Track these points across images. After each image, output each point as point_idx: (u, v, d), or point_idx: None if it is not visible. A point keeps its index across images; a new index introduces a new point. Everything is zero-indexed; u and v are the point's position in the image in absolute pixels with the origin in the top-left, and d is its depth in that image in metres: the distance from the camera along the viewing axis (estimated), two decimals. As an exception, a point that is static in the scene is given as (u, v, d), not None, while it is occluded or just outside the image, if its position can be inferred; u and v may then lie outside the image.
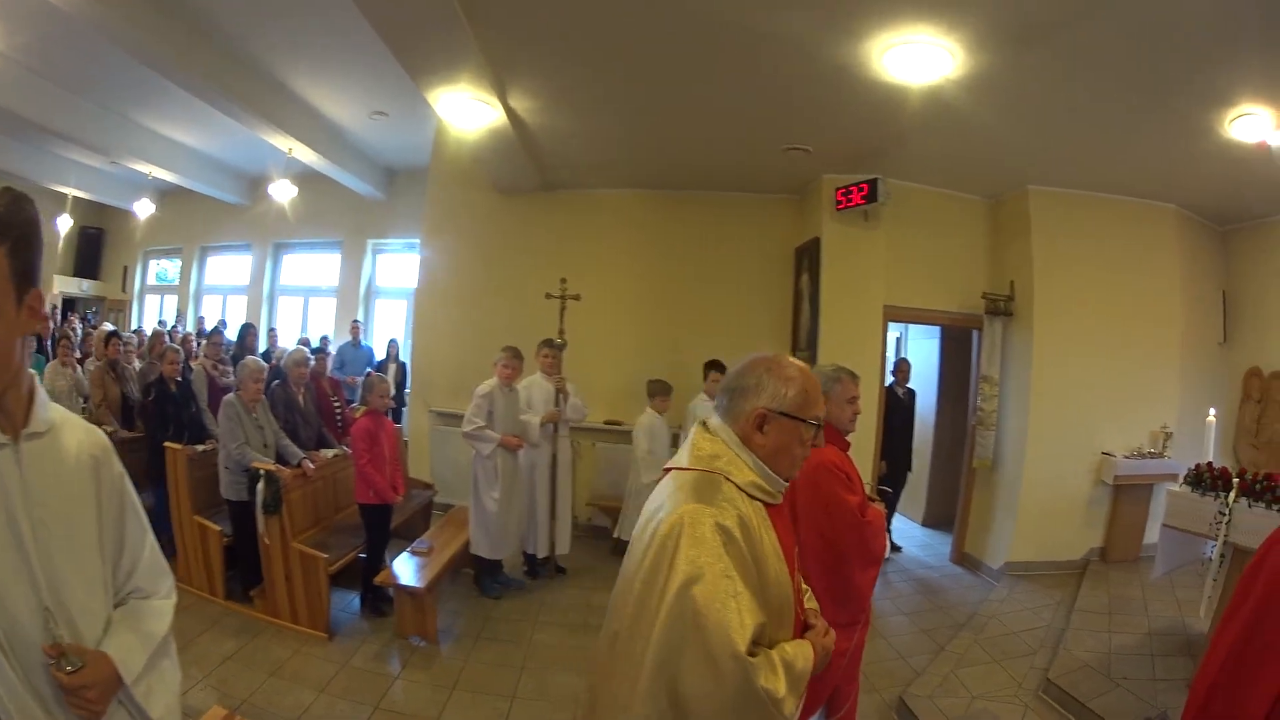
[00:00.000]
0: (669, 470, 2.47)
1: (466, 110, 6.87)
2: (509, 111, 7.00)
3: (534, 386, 7.53)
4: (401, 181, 13.45)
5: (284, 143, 10.34)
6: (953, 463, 9.90)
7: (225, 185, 14.72)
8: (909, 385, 9.54)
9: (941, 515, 10.50)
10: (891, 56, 5.50)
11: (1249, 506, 5.28)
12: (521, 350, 7.32)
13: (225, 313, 15.94)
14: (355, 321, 13.41)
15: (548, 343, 7.60)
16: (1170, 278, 8.88)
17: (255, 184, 14.65)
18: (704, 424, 2.50)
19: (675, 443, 7.89)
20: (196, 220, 16.13)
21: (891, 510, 9.29)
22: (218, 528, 6.55)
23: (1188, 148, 7.02)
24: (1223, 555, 5.34)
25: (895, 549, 9.36)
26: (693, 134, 7.59)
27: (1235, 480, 5.43)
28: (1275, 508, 5.14)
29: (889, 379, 9.16)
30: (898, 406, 9.13)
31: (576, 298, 7.79)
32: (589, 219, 9.63)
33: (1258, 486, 5.31)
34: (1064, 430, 8.29)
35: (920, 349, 11.11)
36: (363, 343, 13.10)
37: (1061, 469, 8.35)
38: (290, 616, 6.15)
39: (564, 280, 7.79)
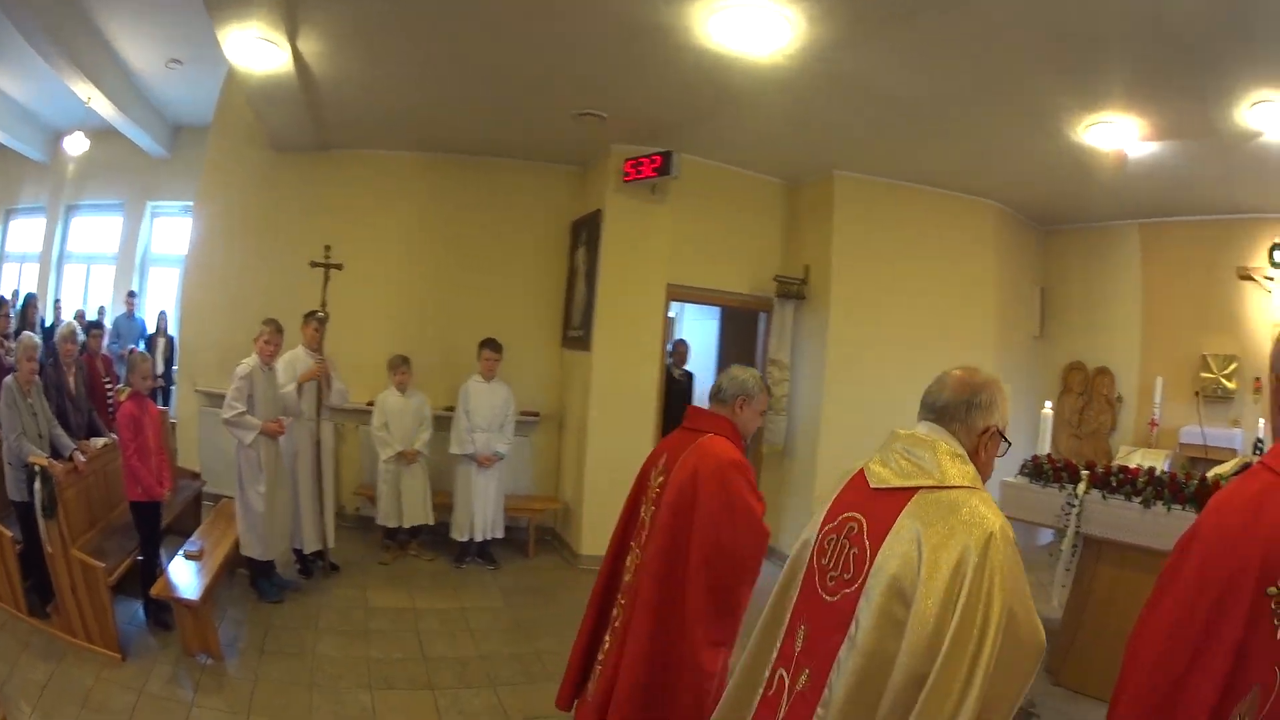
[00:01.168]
0: (918, 489, 2.33)
1: (254, 51, 6.21)
2: (296, 55, 6.31)
3: (296, 361, 6.99)
4: (186, 138, 12.36)
5: (84, 90, 9.56)
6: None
7: (26, 137, 13.19)
8: (686, 367, 9.39)
9: None
10: (720, 21, 5.15)
11: (1104, 499, 5.36)
12: (283, 325, 6.73)
13: (20, 283, 14.25)
14: (130, 292, 12.44)
15: (312, 315, 7.09)
16: (987, 272, 9.32)
17: (56, 139, 13.26)
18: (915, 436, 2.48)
19: (427, 422, 7.83)
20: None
21: None
22: (9, 533, 5.74)
23: (1028, 149, 7.28)
24: (1074, 545, 5.43)
25: None
26: (484, 92, 7.00)
27: (1085, 472, 5.50)
28: (1135, 500, 5.22)
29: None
30: (675, 389, 8.93)
31: (339, 266, 7.23)
32: (365, 183, 9.01)
33: (1113, 480, 5.38)
34: (863, 417, 8.13)
35: (698, 330, 10.99)
36: (136, 315, 12.13)
37: (859, 455, 8.12)
38: (84, 635, 5.48)
39: (328, 247, 7.22)
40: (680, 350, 9.36)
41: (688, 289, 8.52)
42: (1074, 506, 5.37)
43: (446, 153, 8.90)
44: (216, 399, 8.33)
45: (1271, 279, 8.63)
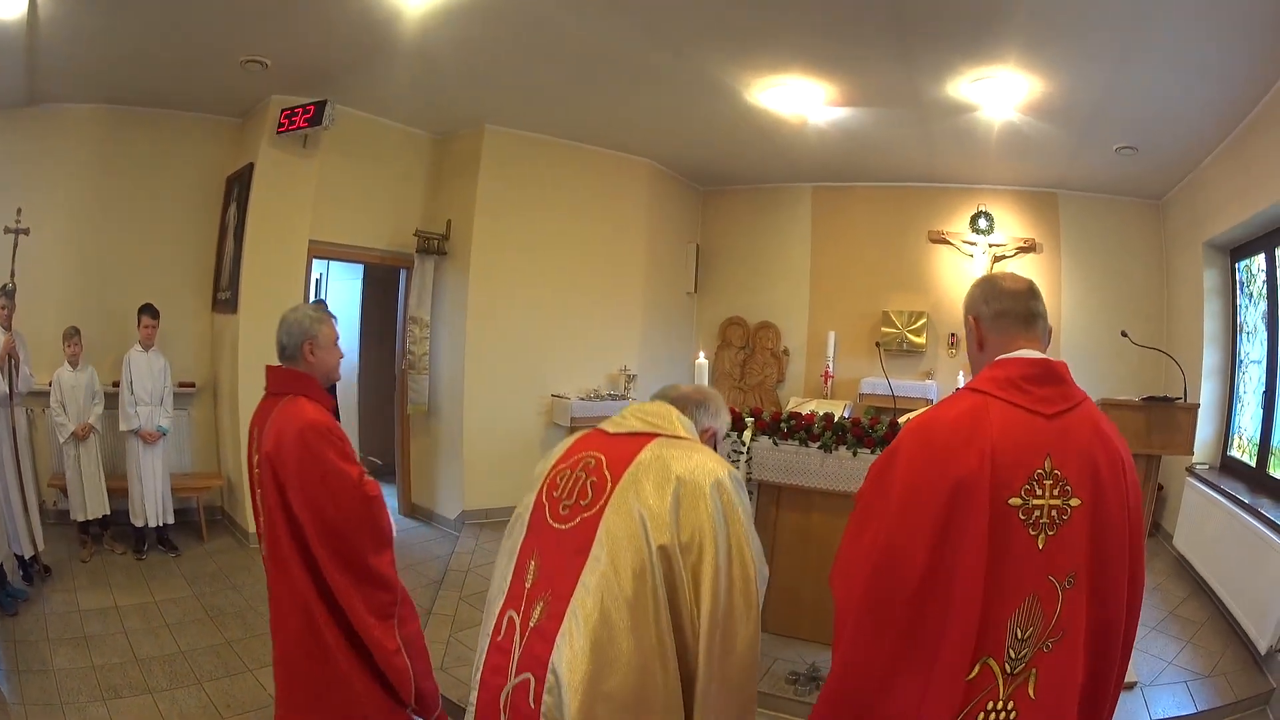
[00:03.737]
0: (658, 435, 2.48)
1: None
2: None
3: None
4: None
5: None
6: (383, 409, 9.76)
7: None
8: None
9: (377, 465, 10.11)
10: None
11: (775, 445, 5.35)
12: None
13: None
14: None
15: (3, 289, 6.39)
16: (638, 229, 9.52)
17: None
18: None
19: (99, 397, 7.18)
20: None
21: None
22: None
23: (695, 109, 7.34)
24: (751, 493, 5.38)
25: None
26: (161, 39, 6.44)
27: (749, 419, 5.46)
28: (813, 446, 5.26)
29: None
30: None
31: (26, 231, 6.61)
32: (57, 138, 8.03)
33: (784, 426, 5.37)
34: (507, 374, 8.39)
35: (342, 290, 10.66)
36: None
37: (507, 413, 8.54)
38: None
39: (19, 210, 6.57)
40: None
41: (330, 245, 8.12)
42: (740, 454, 5.36)
43: (127, 105, 8.16)
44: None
45: (973, 243, 9.21)
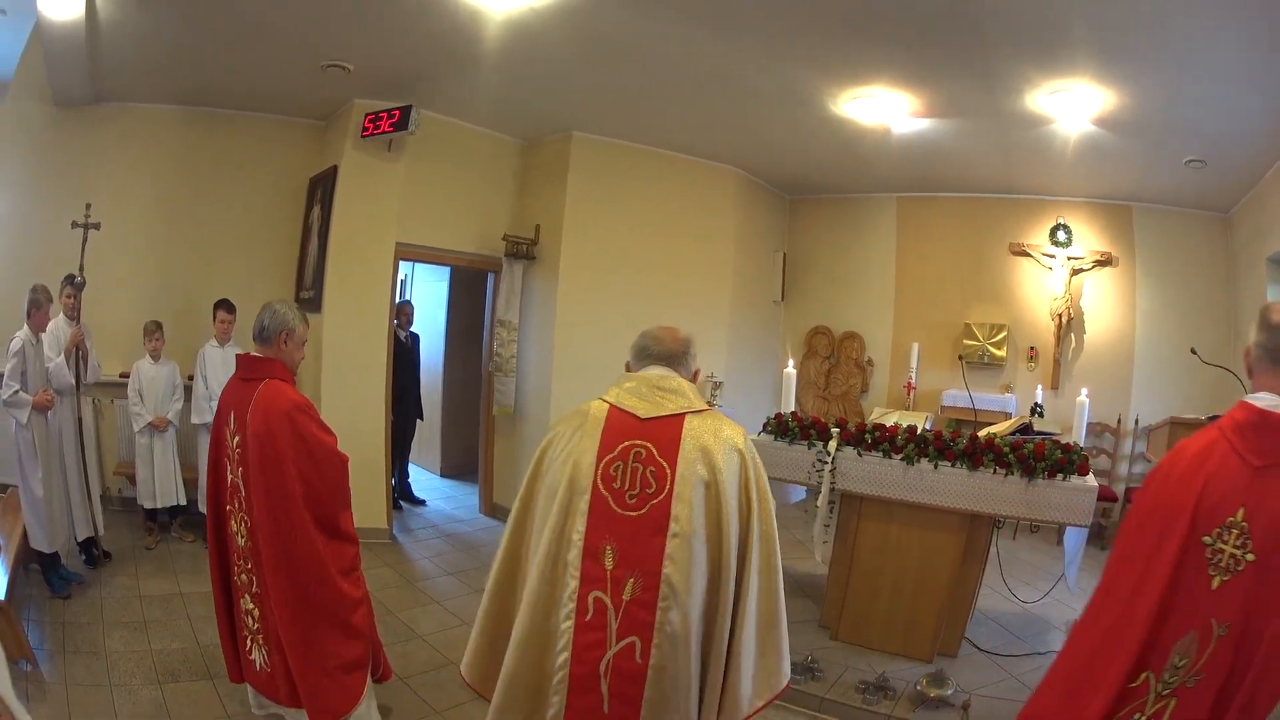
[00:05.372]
0: (684, 414, 2.93)
1: None
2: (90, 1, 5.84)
3: (59, 331, 6.41)
4: None
5: None
6: (468, 411, 9.84)
7: None
8: (412, 330, 9.20)
9: (461, 465, 10.58)
10: None
11: (859, 456, 5.36)
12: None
13: None
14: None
15: (69, 279, 6.51)
16: (725, 237, 9.46)
17: None
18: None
19: (179, 392, 7.37)
20: None
21: (405, 461, 9.32)
22: None
23: (781, 119, 7.37)
24: (831, 502, 5.46)
25: (419, 502, 9.29)
26: (241, 42, 6.62)
27: (835, 430, 5.50)
28: (896, 458, 5.26)
29: (390, 322, 8.85)
30: (401, 351, 8.71)
31: (97, 226, 6.70)
32: (128, 137, 8.33)
33: (868, 437, 5.38)
34: (594, 378, 8.32)
35: (428, 292, 10.78)
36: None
37: None
38: None
39: (89, 205, 6.66)
40: (405, 312, 9.08)
41: (418, 248, 8.20)
42: (825, 464, 5.38)
43: (203, 106, 8.39)
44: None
45: (1052, 256, 9.06)
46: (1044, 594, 6.03)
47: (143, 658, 5.22)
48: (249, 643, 4.13)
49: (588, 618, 2.79)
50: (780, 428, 5.76)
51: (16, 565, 5.59)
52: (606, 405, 3.00)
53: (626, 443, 2.89)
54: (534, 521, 2.97)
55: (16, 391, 5.83)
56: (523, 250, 8.60)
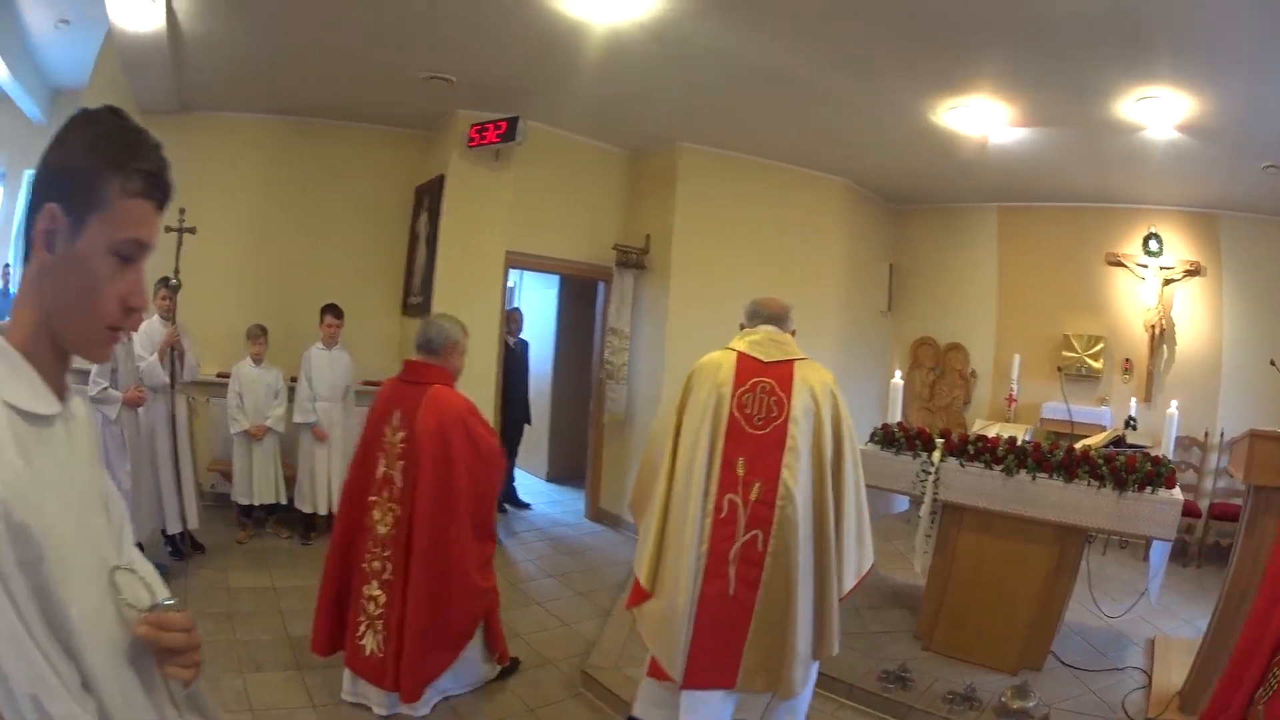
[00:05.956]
0: (794, 360, 4.00)
1: (133, 8, 5.84)
2: (170, 12, 5.98)
3: (153, 332, 6.59)
4: (64, 102, 11.58)
5: None
6: (576, 417, 9.94)
7: None
8: (521, 336, 9.35)
9: (567, 470, 10.63)
10: None
11: (961, 466, 5.39)
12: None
13: None
14: (5, 266, 11.93)
15: (164, 281, 6.71)
16: (833, 247, 9.46)
17: None
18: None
19: (282, 396, 7.48)
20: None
21: (512, 465, 9.31)
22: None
23: (883, 128, 7.42)
24: (933, 512, 5.48)
25: (524, 506, 9.40)
26: (338, 54, 6.78)
27: (939, 440, 5.52)
28: (996, 469, 5.26)
29: (499, 329, 8.97)
30: (510, 358, 8.84)
31: (192, 231, 6.89)
32: (220, 145, 8.56)
33: (970, 448, 5.39)
34: None
35: (537, 299, 10.92)
36: (10, 290, 11.47)
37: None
38: None
39: (183, 211, 6.86)
40: (514, 319, 9.22)
41: (527, 256, 8.32)
42: (930, 474, 5.42)
43: (298, 116, 8.62)
44: (82, 376, 8.05)
45: (1145, 266, 8.94)
46: (1127, 609, 5.97)
47: (227, 647, 5.31)
48: (363, 628, 4.44)
49: (722, 515, 3.78)
50: (887, 438, 5.80)
51: None
52: (734, 352, 4.00)
53: (754, 379, 3.90)
54: (684, 435, 3.93)
55: (105, 388, 6.00)
56: (634, 260, 8.71)
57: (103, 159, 1.26)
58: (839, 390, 3.96)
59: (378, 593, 4.41)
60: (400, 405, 4.42)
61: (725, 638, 3.76)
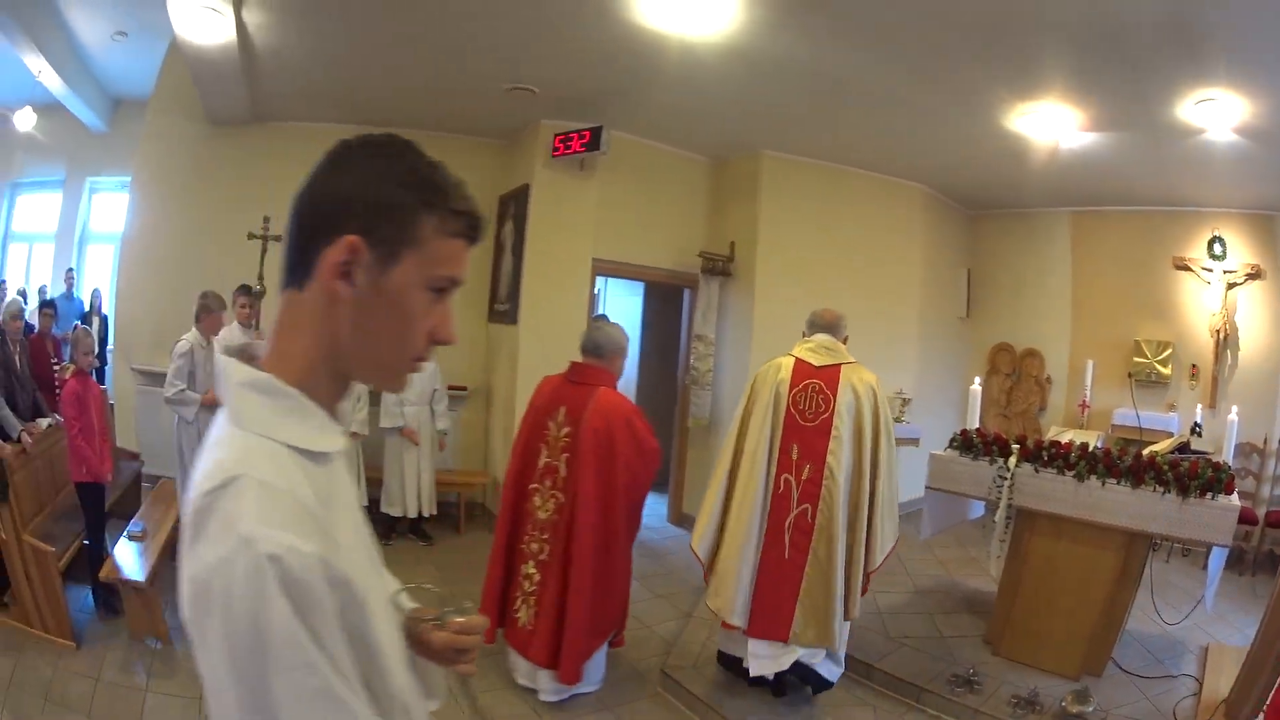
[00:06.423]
0: (842, 364, 4.81)
1: (200, 21, 6.02)
2: (240, 26, 6.15)
3: (231, 339, 6.71)
4: (125, 112, 11.80)
5: (35, 63, 9.18)
6: (660, 422, 9.90)
7: None
8: None
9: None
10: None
11: (1036, 472, 5.46)
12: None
13: None
14: (69, 270, 12.08)
15: (244, 289, 6.91)
16: (913, 254, 9.62)
17: (3, 116, 12.40)
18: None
19: (363, 401, 7.52)
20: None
21: None
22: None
23: (959, 134, 7.45)
24: (1008, 518, 5.56)
25: None
26: (418, 65, 6.95)
27: (1015, 446, 5.60)
28: (1069, 474, 5.32)
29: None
30: None
31: (278, 239, 6.81)
32: (298, 155, 7.92)
33: (1045, 454, 5.47)
34: None
35: (622, 306, 10.98)
36: (74, 294, 11.79)
37: None
38: (40, 624, 5.31)
39: (267, 218, 7.11)
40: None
41: (613, 264, 8.55)
42: (1005, 479, 5.49)
43: (375, 125, 8.41)
44: (154, 378, 8.11)
45: (1210, 270, 8.88)
46: (1184, 616, 6.02)
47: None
48: (519, 602, 4.97)
49: (780, 491, 4.72)
50: (966, 444, 5.91)
51: (165, 552, 5.77)
52: (793, 358, 4.87)
53: (807, 380, 4.77)
54: (750, 428, 4.84)
55: (182, 390, 6.17)
56: (719, 267, 8.85)
57: (416, 196, 1.24)
58: (880, 389, 4.82)
59: (533, 571, 4.92)
60: (566, 403, 4.90)
61: (781, 595, 4.70)
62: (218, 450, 1.15)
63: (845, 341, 4.94)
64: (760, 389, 4.87)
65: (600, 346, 4.96)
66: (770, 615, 4.70)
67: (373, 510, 7.68)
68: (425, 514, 7.77)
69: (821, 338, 4.88)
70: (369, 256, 1.20)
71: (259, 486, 1.07)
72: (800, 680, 4.96)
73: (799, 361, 4.83)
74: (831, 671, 4.91)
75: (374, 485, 7.74)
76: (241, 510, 1.04)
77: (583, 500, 4.74)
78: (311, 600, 1.03)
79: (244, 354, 1.25)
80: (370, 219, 1.20)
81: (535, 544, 4.92)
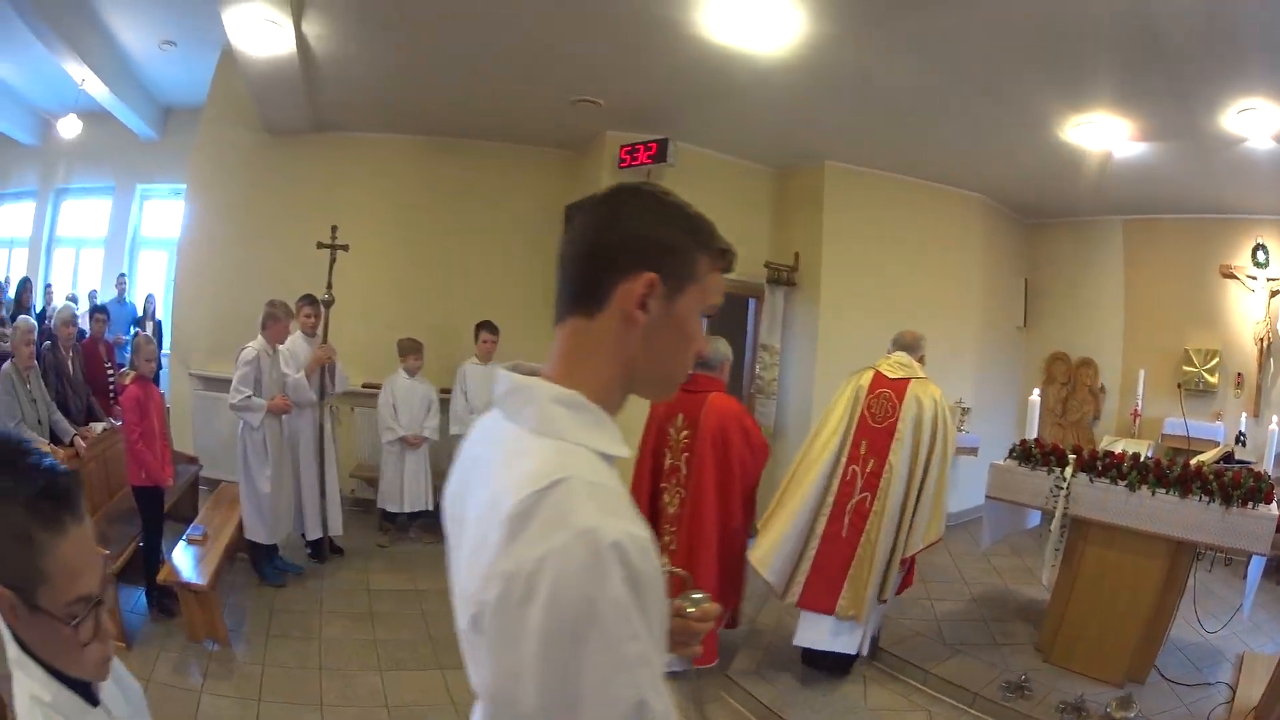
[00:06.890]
0: (911, 379, 5.46)
1: (258, 33, 6.12)
2: (300, 37, 6.26)
3: (296, 348, 6.85)
4: (176, 120, 11.96)
5: (78, 71, 9.26)
6: None
7: (16, 120, 12.69)
8: None
9: None
10: (723, 14, 5.36)
11: (1090, 482, 5.54)
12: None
13: (9, 268, 13.62)
14: (121, 275, 12.19)
15: (309, 299, 6.96)
16: (972, 263, 9.69)
17: (46, 122, 12.67)
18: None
19: (435, 408, 7.77)
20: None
21: None
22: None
23: (1015, 145, 7.53)
24: (1063, 526, 5.67)
25: None
26: (482, 77, 7.05)
27: (1072, 456, 5.68)
28: (1121, 484, 5.41)
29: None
30: None
31: (345, 248, 7.17)
32: (360, 165, 8.91)
33: (1099, 464, 5.56)
34: None
35: None
36: (126, 299, 11.90)
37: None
38: None
39: (335, 228, 7.12)
40: None
41: None
42: (1062, 489, 5.57)
43: (441, 136, 8.85)
44: (212, 383, 8.36)
45: (1254, 278, 8.86)
46: (1223, 624, 6.07)
47: (363, 645, 5.54)
48: None
49: (847, 479, 5.35)
50: (1024, 454, 6.01)
51: (224, 556, 5.89)
52: (873, 371, 5.52)
53: (881, 389, 5.42)
54: (829, 424, 5.51)
55: (248, 397, 6.25)
56: (784, 277, 8.93)
57: (695, 239, 1.46)
58: (944, 401, 5.43)
59: (664, 561, 4.91)
60: (683, 409, 5.37)
61: (833, 569, 5.29)
62: (527, 460, 1.29)
63: (922, 360, 5.58)
64: (845, 391, 5.56)
65: (709, 360, 5.36)
66: (821, 588, 5.30)
67: (434, 514, 7.66)
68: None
69: (899, 355, 5.54)
70: (662, 289, 1.39)
71: (589, 485, 1.22)
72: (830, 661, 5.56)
73: (878, 373, 5.49)
74: (847, 645, 5.40)
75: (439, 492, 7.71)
76: (575, 505, 1.18)
77: (704, 493, 5.22)
78: (645, 578, 1.18)
79: (518, 371, 1.50)
80: (661, 258, 1.41)
81: (666, 536, 5.34)
